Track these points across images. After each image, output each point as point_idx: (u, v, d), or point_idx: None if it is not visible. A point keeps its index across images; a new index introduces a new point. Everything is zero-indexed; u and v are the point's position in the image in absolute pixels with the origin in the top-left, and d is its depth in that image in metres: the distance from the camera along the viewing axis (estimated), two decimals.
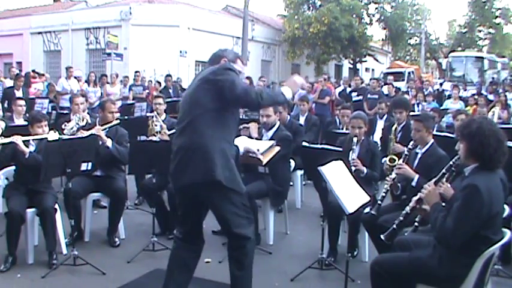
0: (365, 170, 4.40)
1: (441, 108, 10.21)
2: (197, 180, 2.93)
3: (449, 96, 12.17)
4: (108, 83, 11.74)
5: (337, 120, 7.47)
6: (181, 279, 3.14)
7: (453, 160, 2.97)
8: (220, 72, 3.01)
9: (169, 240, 4.07)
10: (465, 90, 14.25)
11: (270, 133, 4.95)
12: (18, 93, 9.06)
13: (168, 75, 12.42)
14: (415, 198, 3.04)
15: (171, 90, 11.85)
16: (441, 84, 16.50)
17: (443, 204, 2.84)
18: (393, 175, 3.93)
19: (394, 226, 3.16)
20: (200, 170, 2.92)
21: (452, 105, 10.51)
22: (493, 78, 20.64)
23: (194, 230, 3.20)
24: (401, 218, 3.15)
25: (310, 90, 12.03)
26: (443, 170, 3.00)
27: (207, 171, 2.91)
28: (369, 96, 10.52)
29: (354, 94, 11.36)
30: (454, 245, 2.60)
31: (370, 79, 13.45)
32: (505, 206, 2.93)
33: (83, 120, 5.32)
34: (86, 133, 4.67)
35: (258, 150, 3.95)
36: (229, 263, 3.15)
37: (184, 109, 3.09)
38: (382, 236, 3.19)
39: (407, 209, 3.10)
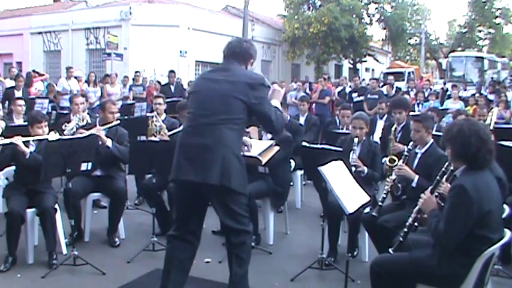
0: (366, 169, 4.40)
1: (441, 108, 10.21)
2: (211, 181, 2.93)
3: (449, 96, 12.18)
4: (107, 83, 11.74)
5: (337, 120, 7.47)
6: (178, 279, 3.14)
7: (445, 166, 2.98)
8: (257, 87, 3.05)
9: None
10: (465, 90, 14.25)
11: (270, 134, 4.95)
12: (19, 94, 9.07)
13: (172, 71, 12.35)
14: (415, 209, 3.04)
15: (172, 87, 11.82)
16: (444, 83, 16.49)
17: (443, 204, 2.84)
18: (393, 176, 3.93)
19: (401, 239, 3.13)
20: (217, 173, 2.92)
21: (452, 105, 10.50)
22: (491, 78, 20.63)
23: (193, 228, 3.19)
24: (405, 230, 3.13)
25: (300, 88, 12.21)
26: (438, 177, 3.00)
27: (224, 176, 2.93)
28: (369, 96, 10.52)
29: (354, 95, 11.36)
30: (448, 246, 2.62)
31: (370, 79, 13.46)
32: (505, 206, 2.93)
33: (83, 121, 5.32)
34: (85, 133, 4.67)
35: (250, 145, 3.94)
36: (229, 262, 3.16)
37: (210, 108, 3.03)
38: (390, 250, 3.15)
39: (410, 220, 3.08)
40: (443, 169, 3.00)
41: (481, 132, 2.67)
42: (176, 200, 3.31)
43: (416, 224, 3.16)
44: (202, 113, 3.06)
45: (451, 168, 2.98)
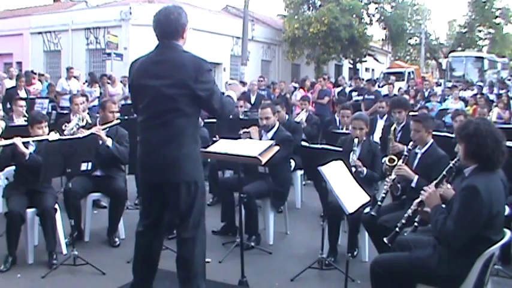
0: (365, 170, 4.39)
1: (441, 108, 10.22)
2: (174, 180, 2.95)
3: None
4: (108, 83, 11.72)
5: (337, 120, 7.46)
6: (147, 272, 3.19)
7: (453, 162, 2.97)
8: (202, 78, 2.91)
9: (169, 240, 4.07)
10: (465, 90, 14.25)
11: (270, 134, 4.96)
12: (22, 93, 9.07)
13: None
14: (416, 201, 3.03)
15: None
16: (439, 84, 16.49)
17: (444, 205, 2.84)
18: (393, 176, 3.92)
19: (397, 229, 3.15)
20: (178, 170, 2.94)
21: (452, 105, 10.51)
22: (500, 77, 20.60)
23: (157, 222, 3.18)
24: (403, 221, 3.14)
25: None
26: (444, 172, 2.99)
27: (186, 172, 2.95)
28: (366, 96, 10.61)
29: (354, 94, 11.42)
30: (455, 246, 2.61)
31: (366, 80, 13.47)
32: (505, 206, 2.93)
33: (83, 121, 5.33)
34: (86, 132, 4.67)
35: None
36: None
37: (158, 107, 2.95)
38: (385, 239, 3.18)
39: (409, 211, 3.09)
40: (450, 164, 2.98)
41: (496, 134, 2.66)
42: (142, 196, 3.29)
43: (416, 220, 3.17)
44: (153, 114, 2.99)
45: (453, 168, 2.98)
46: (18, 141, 4.16)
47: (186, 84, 2.89)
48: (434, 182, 2.98)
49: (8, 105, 8.09)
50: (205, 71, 2.95)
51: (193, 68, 2.91)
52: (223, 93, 3.16)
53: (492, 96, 12.33)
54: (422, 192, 2.95)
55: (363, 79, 14.13)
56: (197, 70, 2.91)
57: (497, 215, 2.61)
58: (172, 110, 2.93)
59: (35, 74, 12.37)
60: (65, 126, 5.33)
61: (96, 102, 10.14)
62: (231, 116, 6.78)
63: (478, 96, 11.26)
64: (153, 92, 2.96)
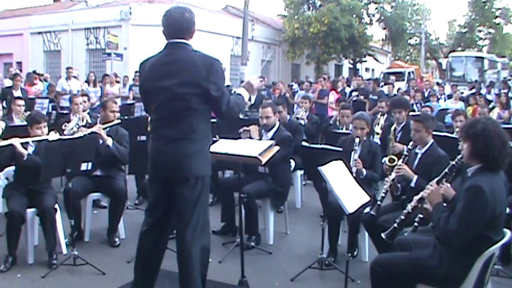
0: (364, 171, 4.39)
1: (441, 108, 10.22)
2: (183, 174, 2.96)
3: (449, 96, 12.20)
4: (107, 83, 11.73)
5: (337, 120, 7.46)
6: (148, 274, 3.19)
7: (456, 160, 2.97)
8: (212, 79, 2.93)
9: (169, 240, 4.06)
10: (470, 90, 14.21)
11: (270, 134, 4.96)
12: (17, 93, 9.06)
13: None
14: (416, 197, 3.03)
15: None
16: (438, 84, 16.47)
17: (444, 204, 2.84)
18: (393, 176, 3.92)
19: (395, 225, 3.16)
20: (188, 165, 2.96)
21: (452, 105, 10.51)
22: (504, 78, 20.57)
23: (161, 221, 3.18)
24: (402, 217, 3.15)
25: (308, 88, 12.10)
26: (446, 170, 2.99)
27: (195, 167, 2.97)
28: (370, 96, 10.59)
29: (354, 93, 11.40)
30: (457, 245, 2.60)
31: (369, 79, 13.47)
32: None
33: (82, 120, 5.33)
34: (86, 131, 4.67)
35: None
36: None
37: (171, 107, 2.98)
38: (382, 235, 3.19)
39: (409, 207, 3.09)
40: (453, 162, 2.98)
41: (503, 135, 2.65)
42: (150, 193, 3.27)
43: (416, 220, 3.17)
44: (165, 113, 3.02)
45: (455, 166, 2.97)
46: (16, 142, 4.15)
47: (198, 83, 2.92)
48: (436, 179, 2.97)
49: (4, 105, 8.10)
50: (216, 70, 2.97)
51: (205, 68, 2.94)
52: (235, 93, 3.20)
53: (490, 97, 12.34)
54: (424, 189, 2.95)
55: (366, 79, 14.13)
56: (208, 70, 2.94)
57: (499, 216, 2.61)
58: (184, 108, 2.95)
59: (38, 74, 12.37)
60: (65, 126, 5.33)
61: (98, 102, 10.16)
62: None
63: (477, 96, 11.27)
64: (165, 92, 2.99)
